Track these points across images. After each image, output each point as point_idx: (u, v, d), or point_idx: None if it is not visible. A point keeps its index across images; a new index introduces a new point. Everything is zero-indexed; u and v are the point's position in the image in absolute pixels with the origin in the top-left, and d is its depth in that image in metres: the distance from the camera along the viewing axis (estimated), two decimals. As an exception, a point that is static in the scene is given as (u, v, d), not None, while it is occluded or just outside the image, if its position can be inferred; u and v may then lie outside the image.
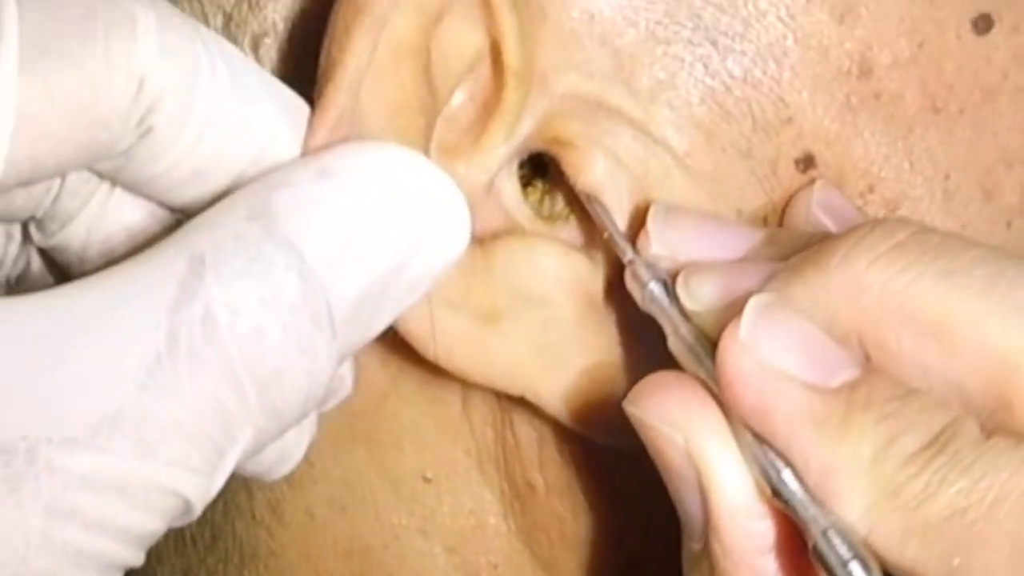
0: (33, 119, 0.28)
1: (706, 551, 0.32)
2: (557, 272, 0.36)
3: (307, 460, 0.37)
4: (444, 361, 0.35)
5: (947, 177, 0.36)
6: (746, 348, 0.30)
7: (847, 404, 0.30)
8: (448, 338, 0.35)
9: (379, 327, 0.31)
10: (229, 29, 0.36)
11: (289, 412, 0.29)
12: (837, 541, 0.29)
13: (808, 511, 0.29)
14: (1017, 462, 0.28)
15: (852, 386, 0.30)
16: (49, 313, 0.28)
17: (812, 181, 0.36)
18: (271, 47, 0.36)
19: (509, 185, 0.37)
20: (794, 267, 0.32)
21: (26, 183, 0.29)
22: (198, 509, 0.29)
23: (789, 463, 0.30)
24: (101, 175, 0.32)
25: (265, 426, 0.29)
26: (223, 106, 0.30)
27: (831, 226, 0.35)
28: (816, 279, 0.31)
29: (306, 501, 0.41)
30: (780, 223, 0.36)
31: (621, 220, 0.36)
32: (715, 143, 0.36)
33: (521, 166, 0.37)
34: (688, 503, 0.32)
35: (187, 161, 0.31)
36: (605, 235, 0.36)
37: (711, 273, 0.34)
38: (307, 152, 0.32)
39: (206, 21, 0.36)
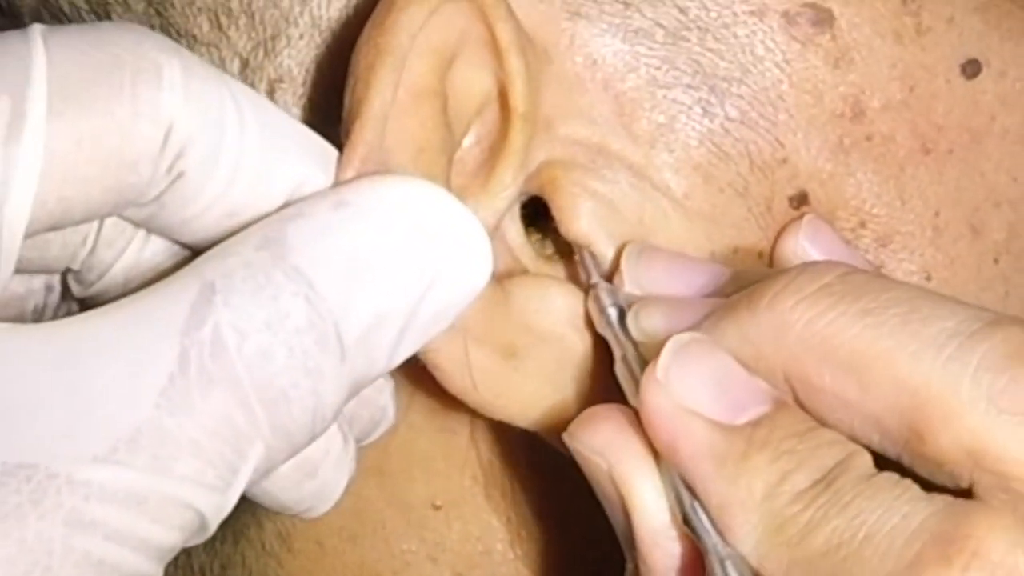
0: (61, 161, 0.29)
1: (635, 568, 0.33)
2: (568, 311, 0.37)
3: (317, 491, 0.38)
4: (466, 394, 0.36)
5: (937, 214, 0.38)
6: (660, 385, 0.32)
7: (747, 442, 0.32)
8: (473, 372, 0.36)
9: (402, 355, 0.32)
10: (246, 75, 0.37)
11: (298, 431, 0.30)
12: (731, 570, 0.31)
13: (710, 540, 0.31)
14: (890, 501, 0.30)
15: (755, 424, 0.32)
16: (68, 337, 0.29)
17: (801, 216, 0.37)
18: (287, 92, 0.37)
19: (513, 227, 0.38)
20: (729, 305, 0.33)
21: (57, 226, 0.30)
22: (213, 525, 0.30)
23: (696, 497, 0.32)
24: (136, 223, 0.33)
25: (275, 444, 0.30)
26: (252, 150, 0.31)
27: (818, 258, 0.36)
28: (746, 317, 0.33)
29: (316, 531, 0.42)
30: (773, 257, 0.38)
31: (608, 267, 0.37)
32: (713, 184, 0.37)
33: (521, 207, 0.38)
34: (617, 524, 0.34)
35: (219, 205, 0.31)
36: (582, 265, 0.37)
37: (659, 306, 0.35)
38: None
39: (223, 66, 0.37)
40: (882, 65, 0.37)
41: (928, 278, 0.38)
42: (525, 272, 0.37)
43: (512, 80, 0.35)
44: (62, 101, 0.29)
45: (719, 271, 0.36)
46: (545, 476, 0.40)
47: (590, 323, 0.37)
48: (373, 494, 0.41)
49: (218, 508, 0.30)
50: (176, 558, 0.44)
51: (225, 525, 0.43)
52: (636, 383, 0.34)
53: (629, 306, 0.36)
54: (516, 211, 0.38)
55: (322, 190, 0.32)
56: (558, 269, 0.38)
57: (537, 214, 0.39)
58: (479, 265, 0.33)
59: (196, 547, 0.44)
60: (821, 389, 0.32)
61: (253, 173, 0.31)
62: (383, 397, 0.37)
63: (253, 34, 0.37)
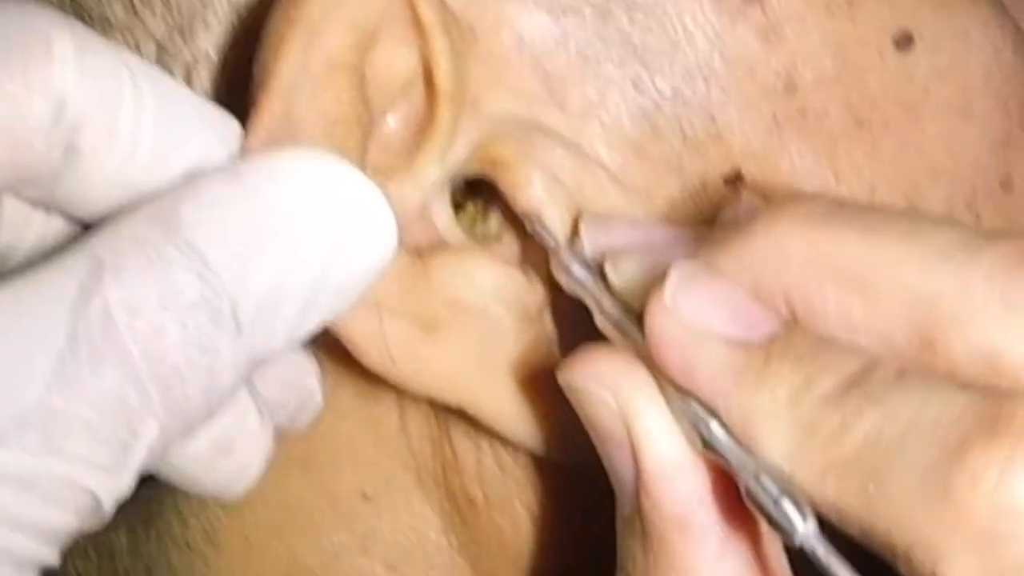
0: None
1: (637, 510, 0.32)
2: (493, 286, 0.36)
3: (244, 485, 0.37)
4: (383, 368, 0.35)
5: (873, 191, 0.37)
6: (670, 311, 0.31)
7: (766, 354, 0.30)
8: (390, 346, 0.35)
9: (305, 331, 0.32)
10: (162, 59, 0.36)
11: (192, 409, 0.30)
12: (767, 482, 0.30)
13: (737, 457, 0.30)
14: (928, 394, 0.29)
15: (772, 338, 0.31)
16: None
17: (739, 196, 0.37)
18: (204, 76, 0.36)
19: (442, 207, 0.37)
20: (718, 239, 0.33)
21: None
22: (108, 507, 0.29)
23: (716, 415, 0.31)
24: (35, 203, 0.32)
25: (169, 422, 0.29)
26: (149, 125, 0.31)
27: None
28: (741, 245, 0.32)
29: (242, 526, 0.41)
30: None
31: (562, 236, 0.36)
32: (647, 159, 0.36)
33: (452, 190, 0.37)
34: (620, 465, 0.32)
35: (117, 181, 0.31)
36: (541, 239, 0.36)
37: (638, 253, 0.35)
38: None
39: (138, 50, 0.36)
40: (814, 38, 0.37)
41: None
42: (448, 248, 0.37)
43: (436, 60, 0.35)
44: None
45: (683, 232, 0.36)
46: (479, 459, 0.39)
47: (519, 297, 0.37)
48: (300, 486, 0.41)
49: (112, 489, 0.29)
50: (99, 560, 0.44)
51: (148, 524, 0.43)
52: (623, 328, 0.33)
53: (597, 265, 0.35)
54: (446, 191, 0.37)
55: (220, 167, 0.32)
56: (501, 248, 0.38)
57: (465, 197, 0.38)
58: (383, 239, 0.32)
59: (120, 550, 0.43)
60: (825, 310, 0.31)
61: (151, 148, 0.31)
62: (308, 380, 0.36)
63: (169, 19, 0.36)
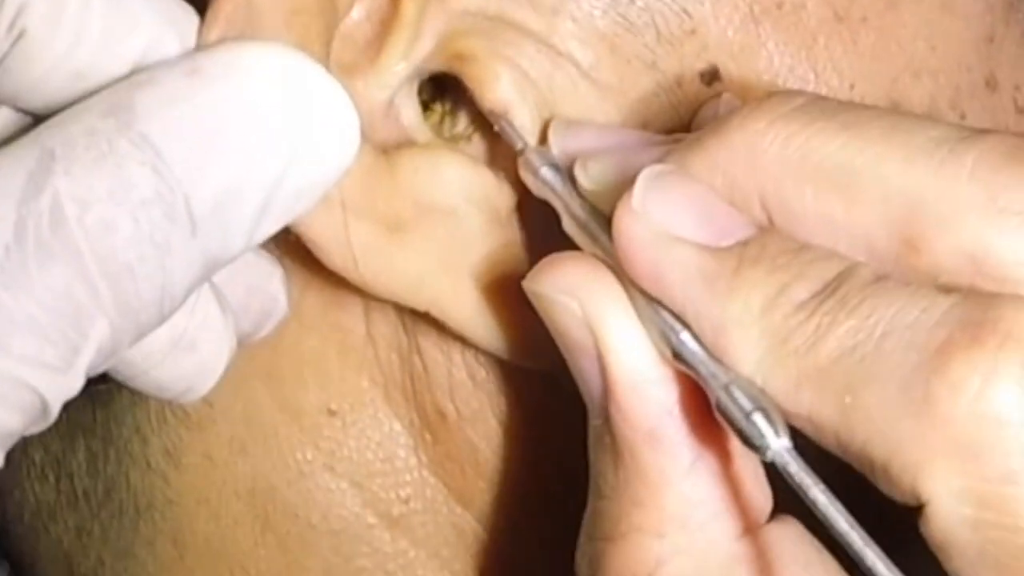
0: None
1: (606, 423, 0.31)
2: (462, 184, 0.35)
3: (205, 400, 0.36)
4: (347, 271, 0.34)
5: (852, 87, 0.36)
6: (638, 215, 0.30)
7: (738, 260, 0.29)
8: (354, 247, 0.34)
9: (264, 232, 0.31)
10: None
11: (144, 308, 0.29)
12: (739, 394, 0.28)
13: (708, 369, 0.29)
14: (905, 297, 0.28)
15: (745, 243, 0.30)
16: None
17: (718, 95, 0.35)
18: None
19: (409, 106, 0.36)
20: (693, 139, 0.31)
21: None
22: (55, 408, 0.28)
23: (686, 325, 0.30)
24: None
25: (120, 322, 0.28)
26: (98, 6, 0.29)
27: None
28: (715, 144, 0.30)
29: (204, 444, 0.40)
30: None
31: (530, 137, 0.35)
32: (620, 55, 0.35)
33: (420, 89, 0.36)
34: (588, 376, 0.31)
35: (64, 66, 0.30)
36: (508, 139, 0.35)
37: (608, 154, 0.33)
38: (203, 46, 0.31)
39: None
40: None
41: None
42: (415, 146, 0.35)
43: None
44: None
45: (656, 136, 0.34)
46: (449, 371, 0.38)
47: (488, 196, 0.35)
48: (264, 401, 0.39)
49: (60, 389, 0.28)
50: (57, 482, 0.42)
51: (107, 444, 0.41)
52: (591, 232, 0.32)
53: (567, 168, 0.34)
54: (413, 88, 0.36)
55: (177, 56, 0.31)
56: (470, 147, 0.36)
57: (433, 97, 0.37)
58: (346, 138, 0.31)
59: (78, 470, 0.42)
60: (803, 211, 0.29)
61: (99, 31, 0.30)
62: (273, 284, 0.35)
63: None
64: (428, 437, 0.39)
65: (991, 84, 0.38)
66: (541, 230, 0.35)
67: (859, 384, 0.27)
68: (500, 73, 0.34)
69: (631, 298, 0.31)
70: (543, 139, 0.35)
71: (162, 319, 0.29)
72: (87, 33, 0.29)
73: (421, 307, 0.35)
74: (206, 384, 0.34)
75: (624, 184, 0.31)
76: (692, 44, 0.35)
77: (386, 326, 0.38)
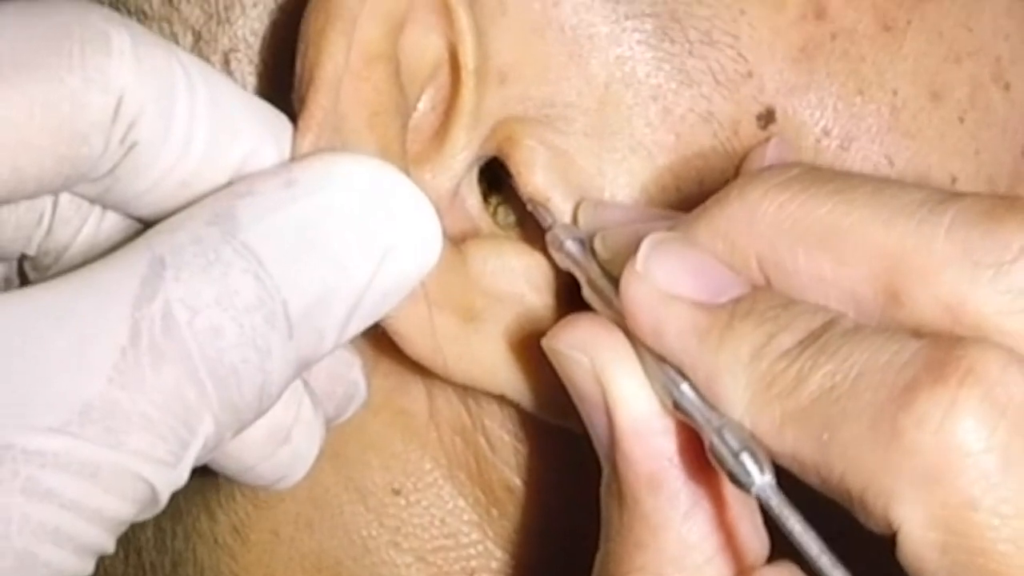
0: (13, 130, 0.29)
1: (612, 469, 0.33)
2: (525, 271, 0.37)
3: (272, 480, 0.37)
4: (430, 360, 0.36)
5: (895, 93, 0.38)
6: (641, 277, 0.32)
7: (730, 315, 0.31)
8: (435, 336, 0.35)
9: (352, 332, 0.32)
10: (199, 47, 0.37)
11: (246, 407, 0.30)
12: (729, 437, 0.30)
13: (703, 415, 0.31)
14: (880, 342, 0.29)
15: (737, 300, 0.32)
16: (19, 309, 0.29)
17: (768, 138, 0.37)
18: (242, 61, 0.36)
19: (472, 194, 0.37)
20: (699, 209, 0.33)
21: (10, 197, 0.30)
22: (164, 498, 0.30)
23: (685, 377, 0.32)
24: (91, 200, 0.32)
25: (224, 419, 0.30)
26: (203, 119, 0.31)
27: None
28: (717, 212, 0.33)
29: (271, 521, 0.41)
30: None
31: (565, 218, 0.37)
32: (675, 111, 0.37)
33: (480, 180, 0.38)
34: (597, 426, 0.33)
35: (172, 176, 0.31)
36: (538, 217, 0.37)
37: (625, 227, 0.35)
38: (297, 154, 0.33)
39: (176, 40, 0.37)
40: None
41: (890, 163, 0.38)
42: (480, 235, 0.37)
43: (461, 37, 0.35)
44: (12, 69, 0.29)
45: (669, 213, 0.36)
46: (516, 448, 0.40)
47: (548, 280, 0.37)
48: (329, 480, 0.40)
49: (169, 481, 0.30)
50: (126, 556, 0.43)
51: (176, 520, 0.42)
52: (606, 300, 0.34)
53: (589, 239, 0.36)
54: (474, 176, 0.37)
55: (273, 167, 0.32)
56: (518, 235, 0.38)
57: (498, 180, 0.38)
58: (429, 242, 0.33)
59: (147, 544, 0.43)
60: (795, 270, 0.32)
61: (205, 142, 0.31)
62: (353, 372, 0.37)
63: (205, 6, 0.37)
64: (494, 512, 0.40)
65: None
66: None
67: (835, 422, 0.29)
68: (538, 158, 0.36)
69: (639, 355, 0.33)
70: (574, 218, 0.37)
71: (260, 414, 0.31)
72: (194, 145, 0.31)
73: (497, 391, 0.37)
74: (300, 472, 0.36)
75: (635, 251, 0.33)
76: (749, 87, 0.37)
77: (449, 410, 0.40)
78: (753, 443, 0.30)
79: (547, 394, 0.37)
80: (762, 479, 0.30)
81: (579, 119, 0.36)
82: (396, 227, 0.32)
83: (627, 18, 0.36)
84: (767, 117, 0.37)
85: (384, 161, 0.33)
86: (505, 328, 0.37)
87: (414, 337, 0.35)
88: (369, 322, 0.33)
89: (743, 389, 0.30)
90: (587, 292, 0.35)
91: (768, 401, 0.30)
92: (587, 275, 0.35)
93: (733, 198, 0.32)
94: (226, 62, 0.36)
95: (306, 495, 0.41)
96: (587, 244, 0.36)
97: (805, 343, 0.30)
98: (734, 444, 0.30)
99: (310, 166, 0.32)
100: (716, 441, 0.30)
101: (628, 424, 0.32)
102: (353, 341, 0.37)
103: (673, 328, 0.32)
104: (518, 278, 0.37)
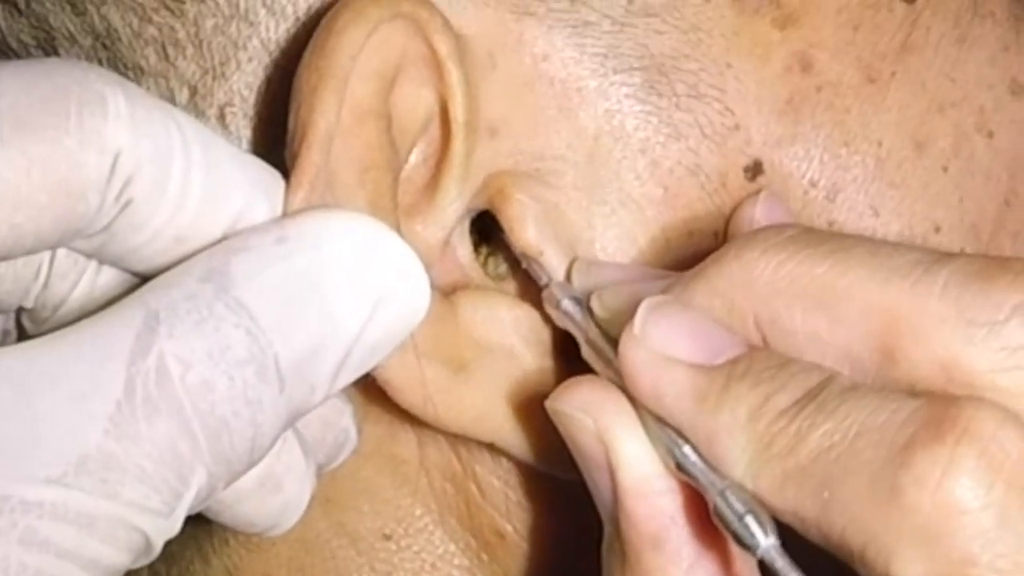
0: (13, 188, 0.30)
1: (615, 528, 0.33)
2: (514, 322, 0.38)
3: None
4: (420, 410, 0.36)
5: (879, 144, 0.39)
6: (639, 340, 0.33)
7: (727, 376, 0.32)
8: (424, 387, 0.36)
9: (341, 384, 0.33)
10: (195, 102, 0.37)
11: (237, 459, 0.31)
12: (733, 499, 0.31)
13: (706, 477, 0.32)
14: (877, 401, 0.30)
15: (734, 361, 0.32)
16: (16, 363, 0.30)
17: (758, 191, 0.38)
18: (238, 115, 0.37)
19: (463, 245, 0.38)
20: (695, 270, 0.34)
21: (8, 255, 0.31)
22: (158, 547, 0.31)
23: (687, 439, 0.32)
24: (87, 254, 0.33)
25: (216, 471, 0.31)
26: (197, 176, 0.32)
27: None
28: (714, 272, 0.33)
29: (264, 565, 0.41)
30: (728, 236, 0.38)
31: (558, 274, 0.37)
32: (663, 164, 0.37)
33: (471, 230, 0.38)
34: (600, 485, 0.34)
35: (167, 231, 0.32)
36: (534, 275, 0.37)
37: (621, 286, 0.36)
38: (289, 210, 0.34)
39: (172, 96, 0.37)
40: (827, 16, 0.38)
41: (876, 213, 0.38)
42: (471, 286, 0.38)
43: (451, 91, 0.36)
44: (11, 129, 0.30)
45: (665, 273, 0.37)
46: (507, 495, 0.40)
47: (537, 332, 0.38)
48: (321, 525, 0.41)
49: (163, 531, 0.31)
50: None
51: (170, 564, 0.43)
52: (605, 360, 0.34)
53: (586, 298, 0.36)
54: (465, 227, 0.38)
55: (266, 223, 0.33)
56: (509, 286, 0.38)
57: (489, 230, 0.39)
58: (417, 296, 0.34)
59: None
60: (792, 329, 0.32)
61: (199, 199, 0.32)
62: (344, 419, 0.37)
63: (201, 61, 0.37)
64: (484, 557, 0.41)
65: (1016, 90, 0.41)
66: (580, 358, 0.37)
67: (836, 480, 0.29)
68: (529, 214, 0.37)
69: (640, 417, 0.33)
70: (569, 276, 0.37)
71: (252, 465, 0.32)
72: (188, 201, 0.32)
73: (487, 439, 0.38)
74: (291, 520, 0.36)
75: (632, 312, 0.34)
76: (736, 140, 0.38)
77: (439, 456, 0.40)
78: (756, 505, 0.31)
79: (536, 443, 0.37)
80: (767, 541, 0.30)
81: (569, 172, 0.37)
82: (385, 282, 0.33)
83: (615, 72, 0.37)
84: (754, 169, 0.38)
85: (374, 216, 0.34)
86: (494, 378, 0.37)
87: (404, 387, 0.36)
88: (359, 374, 0.33)
89: (741, 450, 0.31)
90: (586, 352, 0.36)
91: (768, 460, 0.31)
92: (585, 335, 0.36)
93: (731, 258, 0.33)
94: (222, 116, 0.37)
95: (298, 539, 0.41)
96: (584, 303, 0.36)
97: (802, 402, 0.31)
98: (738, 507, 0.31)
99: (302, 223, 0.33)
100: (720, 503, 0.31)
101: (631, 484, 0.33)
102: (344, 389, 0.38)
103: (671, 391, 0.32)
104: (507, 329, 0.37)
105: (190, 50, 0.37)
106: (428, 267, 0.36)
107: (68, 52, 0.39)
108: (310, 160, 0.34)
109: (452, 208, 0.37)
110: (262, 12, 0.37)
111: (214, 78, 0.37)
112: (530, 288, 0.38)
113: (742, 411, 0.31)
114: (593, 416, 0.33)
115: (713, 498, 0.31)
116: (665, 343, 0.33)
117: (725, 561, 0.33)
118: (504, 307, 0.38)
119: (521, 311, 0.38)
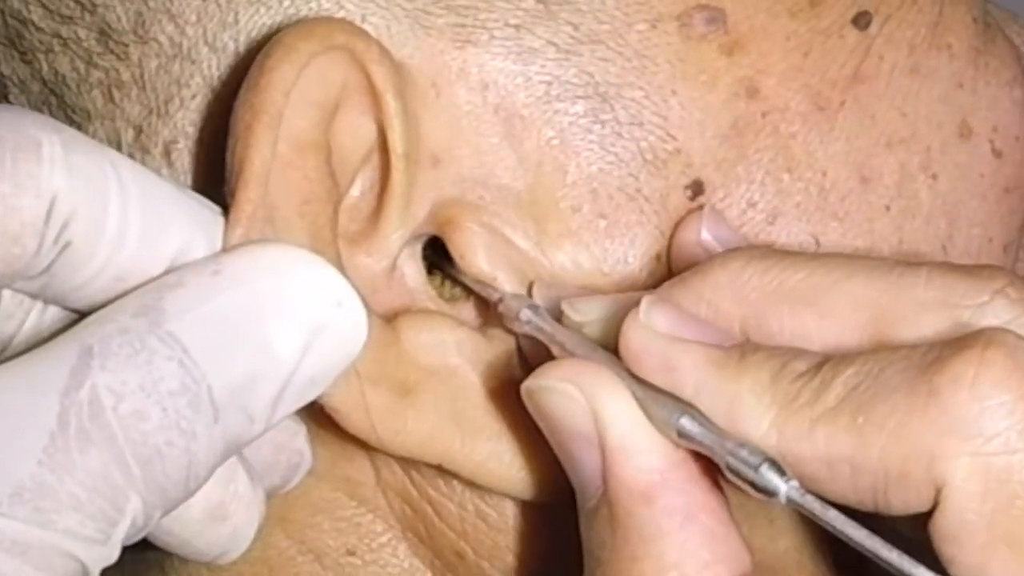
0: None
1: (603, 496, 0.34)
2: (457, 343, 0.38)
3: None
4: (366, 435, 0.37)
5: (824, 174, 0.39)
6: (645, 326, 0.34)
7: (741, 352, 0.33)
8: (371, 412, 0.36)
9: (282, 414, 0.34)
10: (141, 141, 0.37)
11: (172, 487, 0.32)
12: (744, 454, 0.32)
13: (713, 440, 0.32)
14: (903, 351, 0.31)
15: (742, 344, 0.33)
16: None
17: (699, 207, 0.38)
18: (183, 152, 0.37)
19: (412, 268, 0.38)
20: (677, 279, 0.35)
21: None
22: (95, 573, 0.31)
23: (691, 406, 0.33)
24: (31, 295, 0.34)
25: (150, 499, 0.31)
26: (135, 216, 0.33)
27: (720, 250, 0.37)
28: (699, 281, 0.34)
29: None
30: (671, 254, 0.38)
31: (508, 287, 0.37)
32: (602, 193, 0.37)
33: (424, 252, 0.38)
34: (581, 455, 0.34)
35: (107, 271, 0.33)
36: (485, 294, 0.37)
37: (597, 297, 0.37)
38: (227, 247, 0.34)
39: (118, 136, 0.38)
40: (776, 42, 0.38)
41: (816, 242, 0.39)
42: (411, 311, 0.38)
43: (390, 122, 0.36)
44: None
45: (636, 296, 0.37)
46: (461, 516, 0.40)
47: (481, 353, 0.38)
48: (282, 543, 0.41)
49: (99, 558, 0.31)
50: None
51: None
52: (585, 348, 0.35)
53: (555, 308, 0.37)
54: (417, 251, 0.38)
55: (202, 259, 0.34)
56: (465, 306, 0.39)
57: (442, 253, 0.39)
58: (354, 327, 0.34)
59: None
60: (780, 330, 0.33)
61: (137, 238, 0.33)
62: (298, 441, 0.38)
63: (146, 101, 0.37)
64: (449, 575, 0.41)
65: (965, 133, 0.41)
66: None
67: (868, 405, 0.31)
68: (477, 244, 0.37)
69: (632, 392, 0.34)
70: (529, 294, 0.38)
71: (188, 494, 0.32)
72: (126, 241, 0.33)
73: (433, 461, 0.38)
74: (240, 547, 0.37)
75: (614, 314, 0.35)
76: (677, 163, 0.38)
77: (393, 479, 0.40)
78: (771, 455, 0.31)
79: (484, 464, 0.38)
80: (788, 483, 0.31)
81: (513, 201, 0.37)
82: (320, 312, 0.33)
83: (559, 100, 0.37)
84: (695, 188, 0.38)
85: (314, 247, 0.34)
86: (440, 401, 0.37)
87: (351, 413, 0.36)
88: (300, 403, 0.34)
89: (767, 406, 0.32)
90: (558, 352, 0.36)
91: (795, 411, 0.32)
92: (554, 339, 0.36)
93: (716, 267, 0.34)
94: (167, 153, 0.37)
95: (260, 558, 0.41)
96: (541, 310, 0.36)
97: (820, 364, 0.32)
98: (752, 459, 0.31)
99: (236, 257, 0.33)
100: (734, 461, 0.32)
101: (622, 442, 0.34)
102: (297, 411, 0.38)
103: (688, 361, 0.33)
104: (451, 351, 0.38)
105: (135, 91, 0.37)
106: (373, 294, 0.36)
107: (18, 98, 0.39)
108: (246, 197, 0.34)
109: (396, 236, 0.37)
110: (204, 50, 0.37)
111: (159, 116, 0.37)
112: (487, 311, 0.38)
113: (764, 375, 0.32)
114: (580, 384, 0.34)
115: (724, 456, 0.32)
116: (673, 329, 0.33)
117: (720, 515, 0.34)
118: (447, 329, 0.38)
119: (463, 332, 0.38)
